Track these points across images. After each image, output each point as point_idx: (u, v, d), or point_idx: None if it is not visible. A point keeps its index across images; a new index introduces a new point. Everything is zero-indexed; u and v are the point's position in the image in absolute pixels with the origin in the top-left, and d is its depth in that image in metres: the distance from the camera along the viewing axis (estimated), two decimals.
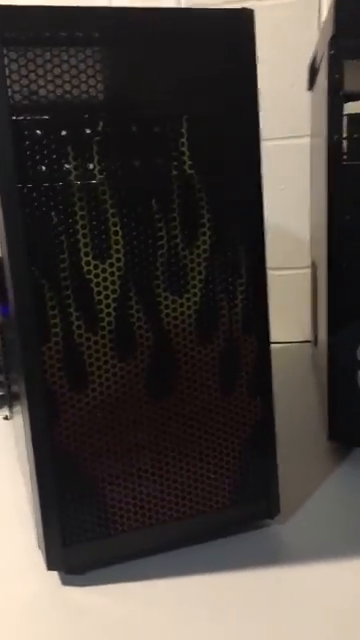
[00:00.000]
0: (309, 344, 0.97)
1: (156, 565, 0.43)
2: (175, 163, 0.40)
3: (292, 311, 1.01)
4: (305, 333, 1.00)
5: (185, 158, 0.40)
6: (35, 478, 0.40)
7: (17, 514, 0.52)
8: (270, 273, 1.09)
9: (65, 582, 0.42)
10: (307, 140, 0.93)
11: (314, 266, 0.82)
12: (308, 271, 0.98)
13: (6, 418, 0.75)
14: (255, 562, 0.43)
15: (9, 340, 0.53)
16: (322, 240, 0.66)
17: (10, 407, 0.65)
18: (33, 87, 0.37)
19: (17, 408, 0.54)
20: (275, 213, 0.97)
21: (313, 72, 0.77)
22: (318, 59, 0.70)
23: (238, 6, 0.92)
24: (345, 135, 0.52)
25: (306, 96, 0.88)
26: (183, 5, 1.00)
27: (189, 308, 0.42)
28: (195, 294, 0.42)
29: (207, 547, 0.45)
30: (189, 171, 0.40)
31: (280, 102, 0.93)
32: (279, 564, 0.43)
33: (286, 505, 0.48)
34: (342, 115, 0.52)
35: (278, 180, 0.96)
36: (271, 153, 0.94)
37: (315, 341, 0.80)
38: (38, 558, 0.44)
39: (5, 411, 0.77)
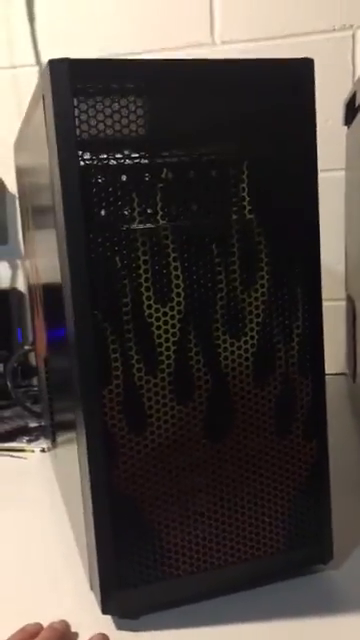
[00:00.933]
0: (342, 377, 0.96)
1: (209, 610, 0.43)
2: (235, 208, 0.40)
3: (325, 343, 1.01)
4: (338, 365, 0.99)
5: (245, 203, 0.41)
6: (92, 520, 0.40)
7: (64, 554, 0.51)
8: None
9: (119, 626, 0.42)
10: (340, 174, 0.94)
11: (350, 300, 0.82)
12: (341, 303, 0.98)
13: (43, 450, 0.75)
14: (310, 608, 0.42)
15: (57, 369, 0.54)
16: None
17: (53, 439, 0.65)
18: (102, 136, 0.37)
19: (63, 439, 0.54)
20: None
21: (351, 108, 0.78)
22: (359, 95, 0.71)
23: (273, 43, 0.93)
24: None
25: (341, 131, 0.89)
26: (216, 39, 1.02)
27: (246, 351, 0.42)
28: (252, 337, 0.42)
29: (261, 592, 0.44)
30: (249, 216, 0.41)
31: None
32: (334, 611, 0.42)
33: (338, 549, 0.47)
34: None
35: None
36: None
37: (353, 376, 0.80)
38: (90, 601, 0.44)
39: (42, 443, 0.77)
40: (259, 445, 0.43)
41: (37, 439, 0.79)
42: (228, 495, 0.43)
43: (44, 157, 0.41)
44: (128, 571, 0.41)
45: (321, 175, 0.43)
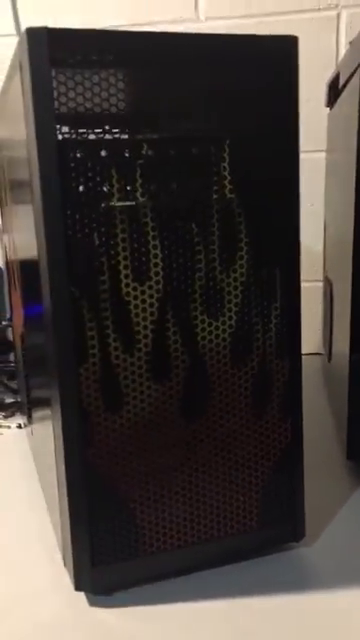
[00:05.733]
0: (318, 356, 0.97)
1: (184, 587, 0.43)
2: (216, 187, 0.40)
3: (303, 323, 1.01)
4: (314, 345, 1.00)
5: (226, 182, 0.40)
6: (66, 497, 0.40)
7: (37, 529, 0.51)
8: None
9: (92, 603, 0.42)
10: (320, 155, 0.94)
11: (328, 282, 0.82)
12: (318, 284, 0.99)
13: (19, 426, 0.75)
14: (283, 585, 0.43)
15: (33, 346, 0.53)
16: (344, 256, 0.66)
17: (29, 416, 0.65)
18: (80, 109, 0.37)
19: (38, 416, 0.53)
20: None
21: (334, 89, 0.78)
22: (343, 77, 0.70)
23: (257, 21, 0.91)
24: None
25: (321, 112, 0.89)
26: (201, 15, 1.00)
27: (224, 331, 0.42)
28: (231, 317, 0.42)
29: (234, 569, 0.45)
30: (229, 195, 0.40)
31: None
32: (307, 587, 0.43)
33: (310, 527, 0.48)
34: None
35: None
36: None
37: (329, 356, 0.81)
38: (64, 578, 0.44)
39: (17, 419, 0.77)
40: (234, 425, 0.43)
41: (13, 415, 0.78)
42: (202, 474, 0.43)
43: (21, 130, 0.40)
44: (101, 548, 0.41)
45: (301, 156, 0.42)
